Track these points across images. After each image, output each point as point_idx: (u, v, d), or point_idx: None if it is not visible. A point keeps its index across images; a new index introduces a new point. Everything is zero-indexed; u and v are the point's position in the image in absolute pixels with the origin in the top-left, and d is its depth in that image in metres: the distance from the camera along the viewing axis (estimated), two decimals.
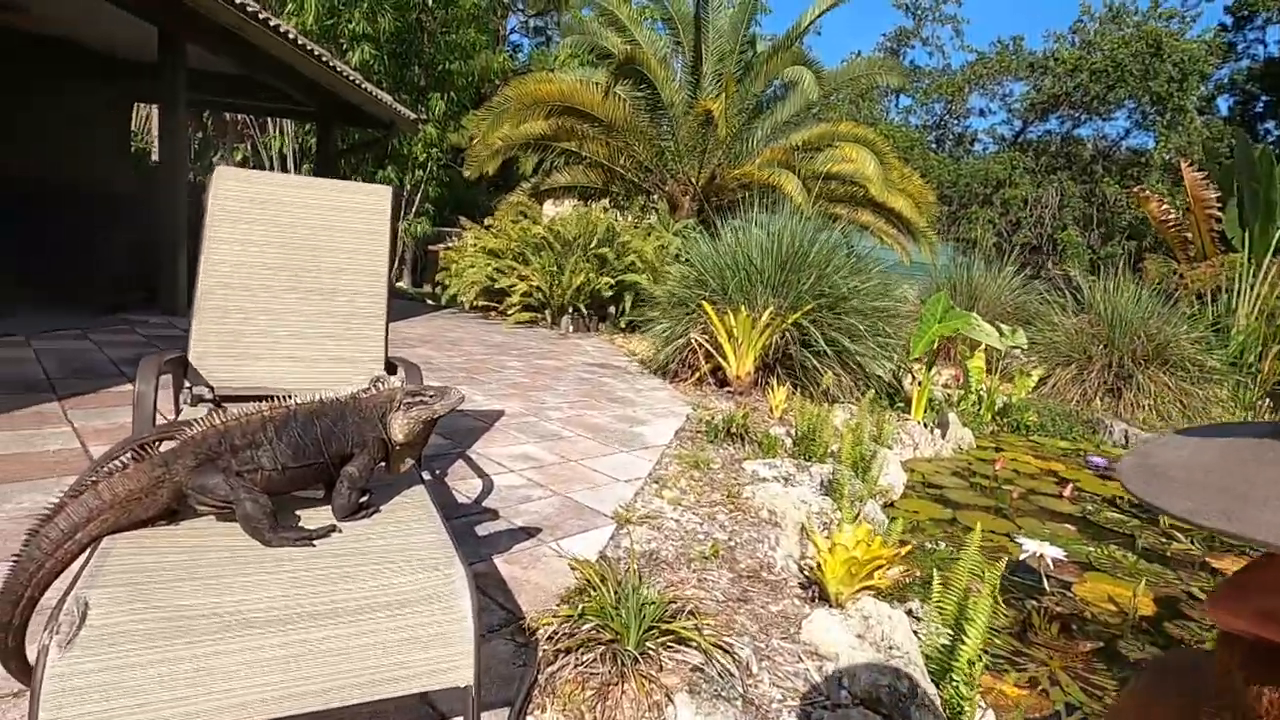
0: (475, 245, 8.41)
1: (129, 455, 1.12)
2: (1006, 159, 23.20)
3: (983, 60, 25.04)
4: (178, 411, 1.79)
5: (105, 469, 1.09)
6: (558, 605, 1.66)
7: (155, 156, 11.13)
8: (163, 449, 1.16)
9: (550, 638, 1.49)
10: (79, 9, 5.18)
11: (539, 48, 20.18)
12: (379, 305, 2.08)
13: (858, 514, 2.66)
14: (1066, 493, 3.72)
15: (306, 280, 2.03)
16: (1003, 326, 5.58)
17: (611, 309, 8.17)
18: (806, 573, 2.10)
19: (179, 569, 1.02)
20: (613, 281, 7.77)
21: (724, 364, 4.78)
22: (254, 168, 14.51)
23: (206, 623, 0.91)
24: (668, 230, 8.47)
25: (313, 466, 1.24)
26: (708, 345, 4.88)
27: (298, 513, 1.26)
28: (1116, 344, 6.31)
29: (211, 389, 1.87)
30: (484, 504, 2.36)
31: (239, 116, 12.74)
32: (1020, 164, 22.77)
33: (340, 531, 1.19)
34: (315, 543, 1.13)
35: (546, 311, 7.96)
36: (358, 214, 2.13)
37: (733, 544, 2.26)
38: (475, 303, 8.16)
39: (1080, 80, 21.82)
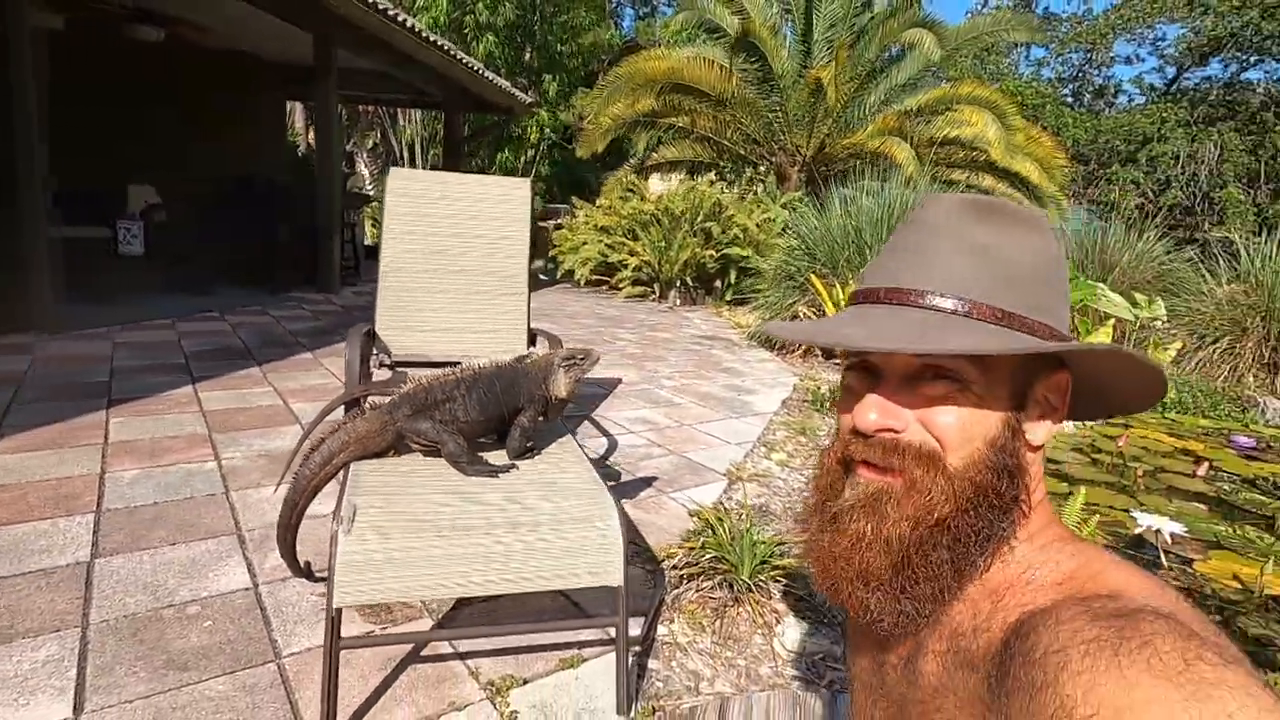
0: (587, 223, 8.77)
1: (367, 404, 1.47)
2: (1156, 111, 20.89)
3: (1129, 2, 22.55)
4: (367, 376, 2.18)
5: (348, 415, 1.44)
6: (681, 541, 1.92)
7: (302, 149, 12.32)
8: (383, 401, 1.50)
9: (675, 566, 1.75)
10: (253, 26, 5.89)
11: (643, 19, 20.22)
12: (521, 282, 2.40)
13: None
14: (1200, 471, 3.56)
15: (462, 261, 2.37)
16: (1138, 297, 5.26)
17: (717, 283, 8.31)
18: None
19: (406, 488, 1.35)
20: (716, 255, 7.90)
21: None
22: (383, 154, 15.71)
23: (432, 524, 1.23)
24: (775, 203, 8.46)
25: (493, 418, 1.54)
26: (815, 319, 4.96)
27: (480, 454, 1.58)
28: (1277, 315, 5.76)
29: (389, 355, 2.25)
30: (609, 460, 2.66)
31: (370, 107, 13.80)
32: (1173, 116, 20.45)
33: (517, 468, 1.49)
34: (499, 475, 1.44)
35: (656, 285, 8.22)
36: (503, 203, 2.45)
37: None
38: (589, 277, 8.54)
39: (1249, 18, 19.22)
